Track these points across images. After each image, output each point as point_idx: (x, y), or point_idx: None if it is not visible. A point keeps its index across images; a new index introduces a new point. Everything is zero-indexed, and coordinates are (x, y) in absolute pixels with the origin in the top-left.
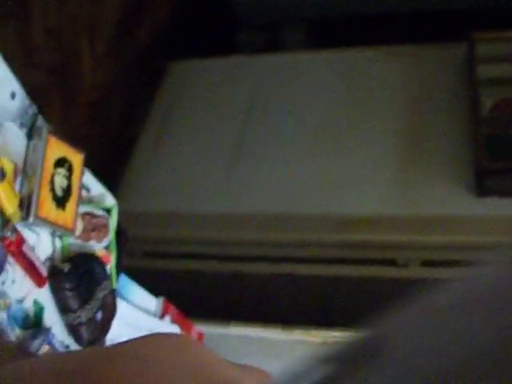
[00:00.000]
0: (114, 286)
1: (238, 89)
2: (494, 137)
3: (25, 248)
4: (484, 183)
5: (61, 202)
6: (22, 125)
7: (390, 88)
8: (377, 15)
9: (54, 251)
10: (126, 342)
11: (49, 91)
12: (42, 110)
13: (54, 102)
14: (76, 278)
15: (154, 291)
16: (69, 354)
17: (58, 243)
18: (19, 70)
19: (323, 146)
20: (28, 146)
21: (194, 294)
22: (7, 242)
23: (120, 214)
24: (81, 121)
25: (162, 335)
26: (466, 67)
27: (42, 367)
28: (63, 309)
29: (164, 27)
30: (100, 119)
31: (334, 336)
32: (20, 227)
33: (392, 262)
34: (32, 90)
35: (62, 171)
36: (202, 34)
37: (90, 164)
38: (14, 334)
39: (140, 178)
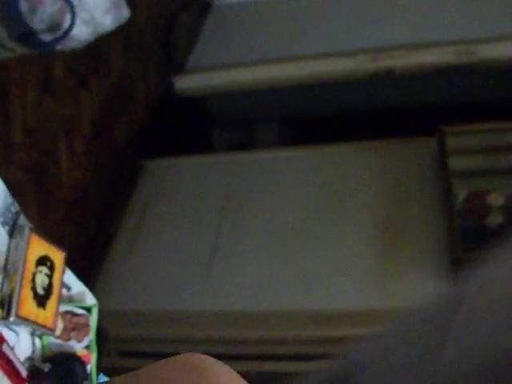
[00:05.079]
0: None
1: (213, 187)
2: (468, 227)
3: (5, 348)
4: (459, 273)
5: (41, 300)
6: (4, 223)
7: (365, 183)
8: (349, 112)
9: (33, 351)
10: (153, 365)
11: (25, 189)
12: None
13: (29, 201)
14: (56, 379)
15: None
16: None
17: (38, 343)
18: None
19: (299, 242)
20: (10, 245)
21: None
22: None
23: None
24: (56, 220)
25: (185, 356)
26: (437, 160)
27: None
28: None
29: (140, 126)
30: (76, 219)
31: None
32: (0, 326)
33: None
34: (8, 187)
35: (43, 269)
36: (178, 132)
37: (66, 264)
38: None
39: (115, 277)
